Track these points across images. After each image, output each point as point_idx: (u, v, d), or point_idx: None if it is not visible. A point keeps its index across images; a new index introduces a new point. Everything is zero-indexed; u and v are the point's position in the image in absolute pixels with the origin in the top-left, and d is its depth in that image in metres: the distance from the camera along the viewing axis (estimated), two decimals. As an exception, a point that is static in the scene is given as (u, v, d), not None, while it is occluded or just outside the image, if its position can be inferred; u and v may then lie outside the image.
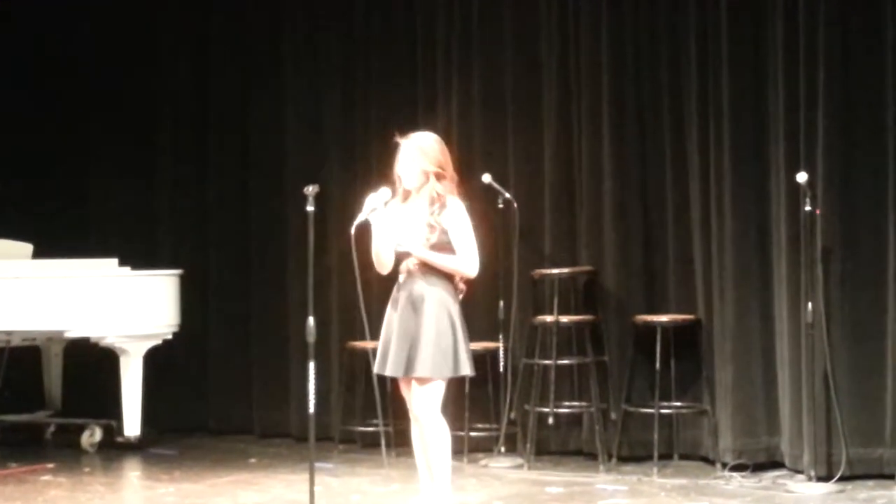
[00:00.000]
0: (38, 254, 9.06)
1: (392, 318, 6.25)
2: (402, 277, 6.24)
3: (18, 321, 8.46)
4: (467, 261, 6.19)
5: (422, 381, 6.14)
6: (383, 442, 6.70)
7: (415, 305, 6.15)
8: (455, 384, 6.43)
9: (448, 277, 6.21)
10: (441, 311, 6.14)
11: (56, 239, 9.26)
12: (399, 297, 6.22)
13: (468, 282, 6.27)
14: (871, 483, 7.19)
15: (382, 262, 6.22)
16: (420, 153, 6.20)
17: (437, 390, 6.17)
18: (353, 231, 6.10)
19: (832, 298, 7.33)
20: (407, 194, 6.27)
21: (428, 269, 6.17)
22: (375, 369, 6.32)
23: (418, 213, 6.20)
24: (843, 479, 7.18)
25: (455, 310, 6.18)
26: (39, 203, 9.89)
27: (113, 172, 10.04)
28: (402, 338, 6.14)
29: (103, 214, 10.04)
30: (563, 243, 8.40)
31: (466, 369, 6.21)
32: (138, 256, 9.10)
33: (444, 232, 6.15)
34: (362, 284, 6.20)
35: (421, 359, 6.10)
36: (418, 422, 6.24)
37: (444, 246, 6.16)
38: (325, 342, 8.64)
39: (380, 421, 6.85)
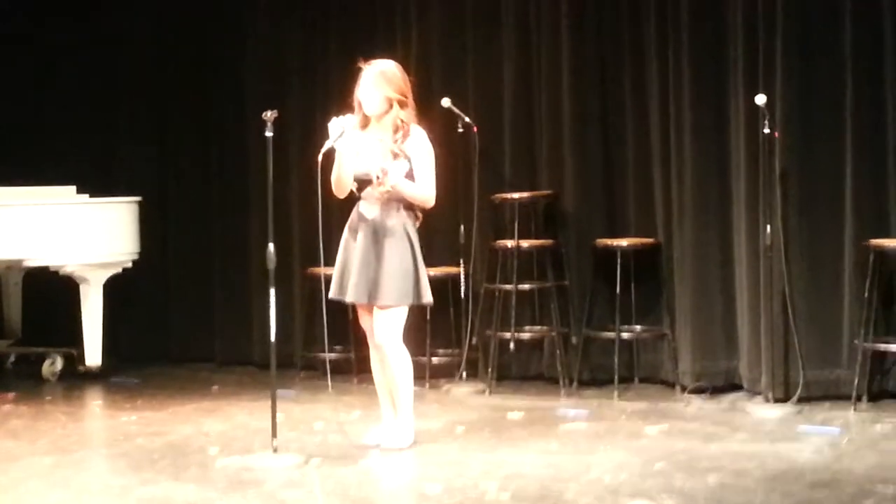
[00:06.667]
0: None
1: (350, 243, 6.24)
2: (362, 204, 6.22)
3: (-24, 251, 8.42)
4: (428, 191, 6.22)
5: (384, 308, 6.16)
6: (328, 369, 6.70)
7: (376, 233, 6.16)
8: (416, 311, 6.44)
9: (408, 206, 6.22)
10: (403, 240, 6.17)
11: (11, 166, 9.17)
12: (359, 223, 6.21)
13: (425, 210, 6.28)
14: (827, 404, 7.24)
15: (343, 186, 6.21)
16: (383, 80, 6.17)
17: (400, 318, 6.20)
18: (320, 158, 6.07)
19: (790, 221, 7.35)
20: (366, 121, 6.25)
21: (391, 197, 6.15)
22: (332, 294, 6.32)
23: (379, 140, 6.17)
24: (800, 400, 7.23)
25: (415, 239, 6.22)
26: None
27: (70, 100, 9.92)
28: (364, 265, 6.15)
29: (60, 141, 9.91)
30: (522, 167, 8.38)
31: (428, 297, 6.26)
32: (96, 184, 9.03)
33: (408, 159, 6.14)
34: (323, 210, 6.18)
35: (385, 287, 6.12)
36: (380, 349, 6.27)
37: (406, 174, 6.16)
38: (286, 269, 8.59)
39: (325, 347, 6.83)
